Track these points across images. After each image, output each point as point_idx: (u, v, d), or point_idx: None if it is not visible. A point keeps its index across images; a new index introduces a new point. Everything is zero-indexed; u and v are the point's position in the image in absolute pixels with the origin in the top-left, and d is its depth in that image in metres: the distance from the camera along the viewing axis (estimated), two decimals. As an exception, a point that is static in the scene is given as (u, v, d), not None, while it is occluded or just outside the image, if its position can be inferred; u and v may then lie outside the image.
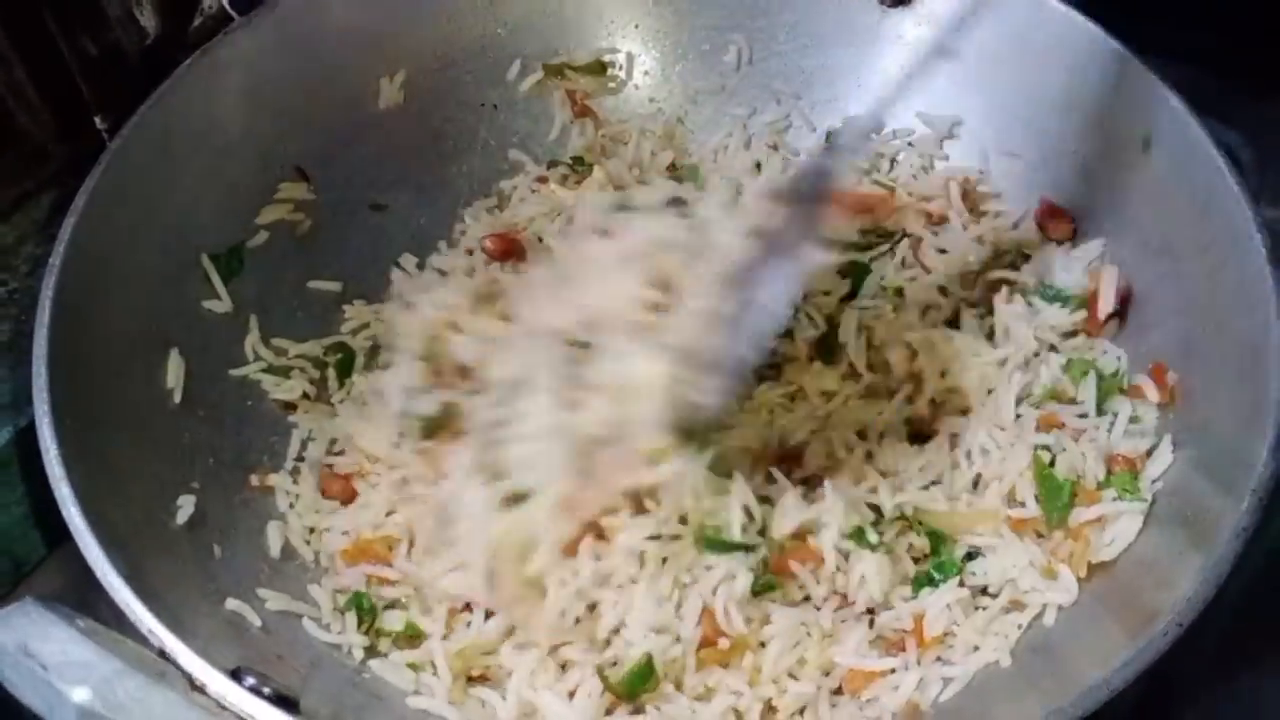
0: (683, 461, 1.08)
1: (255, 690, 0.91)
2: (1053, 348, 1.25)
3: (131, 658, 0.86)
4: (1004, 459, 1.16)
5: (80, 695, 0.81)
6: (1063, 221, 1.31)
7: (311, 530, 1.19)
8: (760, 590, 1.09)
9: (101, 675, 0.82)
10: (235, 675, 0.92)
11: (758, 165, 1.41)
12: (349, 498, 1.21)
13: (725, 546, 1.09)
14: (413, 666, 1.09)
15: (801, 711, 1.07)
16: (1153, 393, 1.17)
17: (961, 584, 1.11)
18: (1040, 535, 1.14)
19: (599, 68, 1.46)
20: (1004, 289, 1.29)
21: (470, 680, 1.09)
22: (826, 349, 1.26)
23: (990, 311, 1.27)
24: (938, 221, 1.34)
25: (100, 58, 1.30)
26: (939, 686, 1.07)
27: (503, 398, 1.12)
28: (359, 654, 1.10)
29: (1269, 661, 1.17)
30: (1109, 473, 1.14)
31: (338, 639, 1.11)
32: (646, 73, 1.48)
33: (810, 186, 1.12)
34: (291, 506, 1.20)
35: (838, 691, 1.08)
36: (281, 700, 0.92)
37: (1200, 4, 1.46)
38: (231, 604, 1.08)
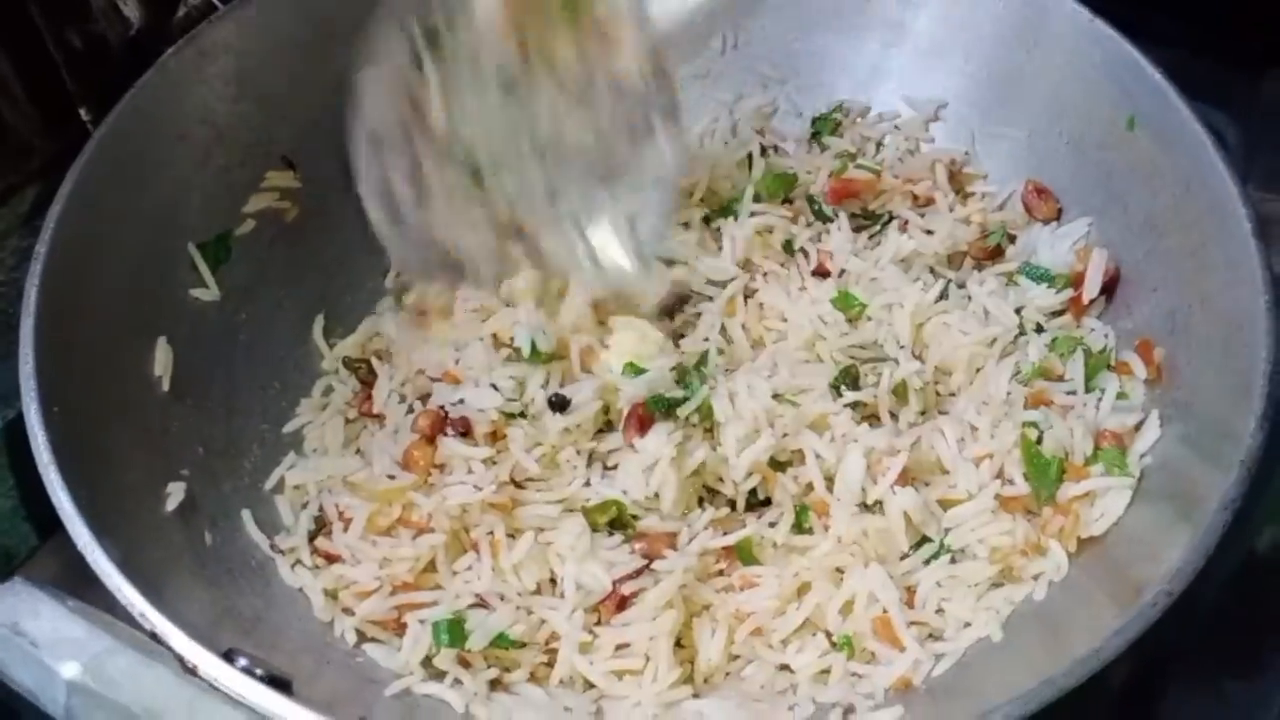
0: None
1: (247, 671, 0.91)
2: (1039, 327, 1.25)
3: (123, 636, 0.85)
4: (993, 437, 1.16)
5: (70, 671, 0.81)
6: (1048, 201, 1.32)
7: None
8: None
9: (92, 652, 0.82)
10: (228, 657, 0.91)
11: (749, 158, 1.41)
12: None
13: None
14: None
15: (794, 689, 1.08)
16: (1140, 369, 1.18)
17: (953, 560, 1.12)
18: (1030, 512, 1.14)
19: (586, 56, 1.46)
20: (976, 271, 1.30)
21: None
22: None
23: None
24: (924, 203, 1.35)
25: (84, 49, 1.30)
26: (931, 662, 1.07)
27: None
28: (351, 637, 1.10)
29: (1256, 647, 1.17)
30: (1097, 448, 1.15)
31: (330, 623, 1.11)
32: (632, 59, 1.47)
33: None
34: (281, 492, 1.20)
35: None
36: (274, 681, 0.91)
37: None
38: (223, 589, 1.08)
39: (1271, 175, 1.35)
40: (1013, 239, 1.32)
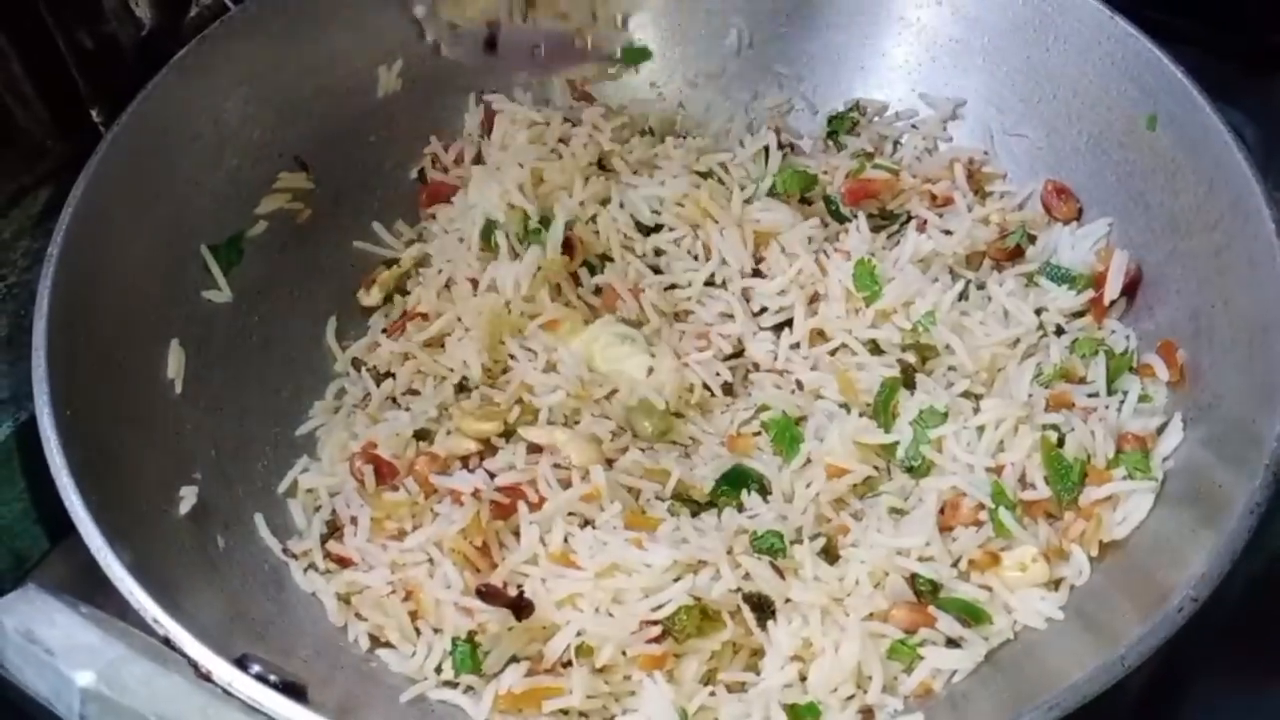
0: None
1: (261, 678, 0.90)
2: (1060, 329, 1.24)
3: (137, 643, 0.84)
4: (1015, 439, 1.15)
5: (85, 679, 0.81)
6: (1068, 201, 1.31)
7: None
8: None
9: (106, 659, 0.81)
10: (241, 663, 0.91)
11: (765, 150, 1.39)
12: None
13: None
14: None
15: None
16: (1163, 371, 1.16)
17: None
18: (1051, 516, 1.12)
19: (599, 53, 1.45)
20: (995, 272, 1.28)
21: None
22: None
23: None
24: (943, 203, 1.33)
25: (96, 51, 1.29)
26: (951, 669, 1.05)
27: None
28: (365, 642, 1.09)
29: (1274, 659, 1.16)
30: (1119, 451, 1.13)
31: (344, 628, 1.10)
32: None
33: None
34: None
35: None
36: (288, 688, 0.90)
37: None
38: (236, 594, 1.07)
39: (1291, 174, 1.34)
40: (1033, 239, 1.30)
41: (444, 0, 1.28)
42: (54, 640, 0.83)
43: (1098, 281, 1.24)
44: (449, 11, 1.28)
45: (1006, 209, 1.32)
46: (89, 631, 0.84)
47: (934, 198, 1.33)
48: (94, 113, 1.31)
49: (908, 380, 1.20)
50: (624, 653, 1.05)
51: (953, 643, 1.07)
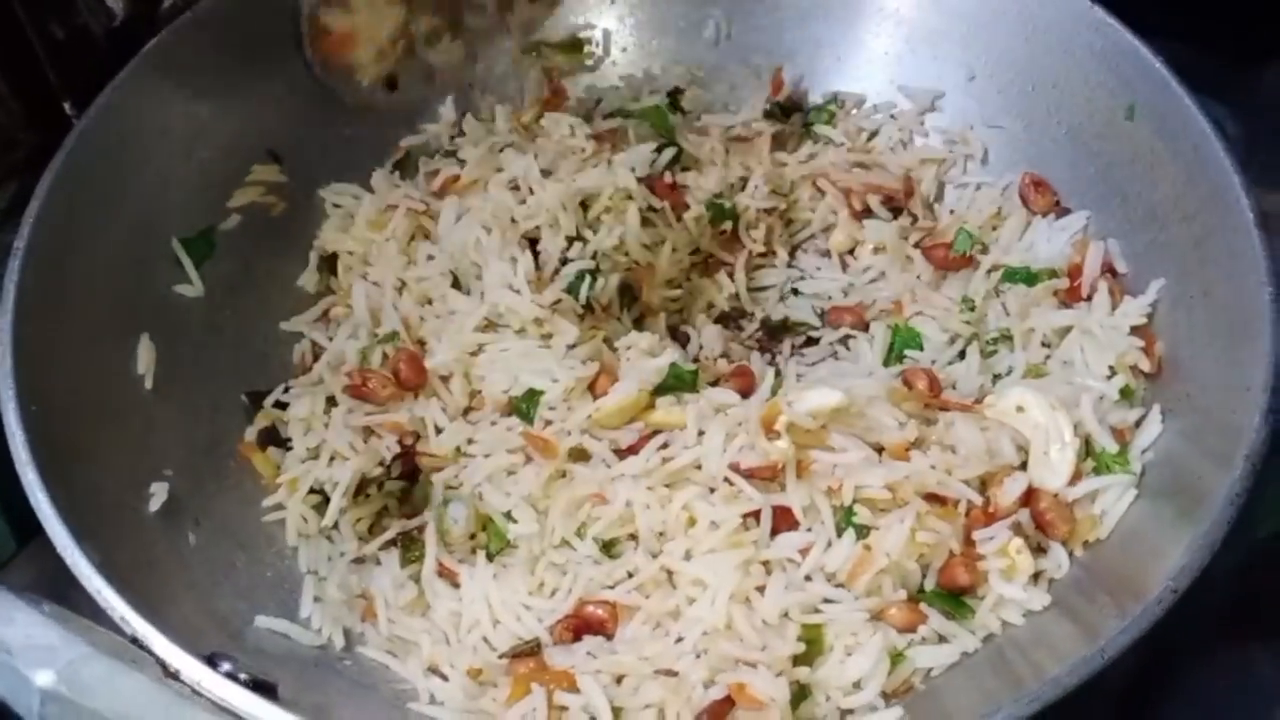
0: None
1: (231, 676, 0.88)
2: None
3: (100, 642, 0.83)
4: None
5: (44, 679, 0.79)
6: (1046, 193, 1.30)
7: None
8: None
9: (67, 659, 0.79)
10: (210, 661, 0.89)
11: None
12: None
13: None
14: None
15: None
16: (1141, 362, 1.15)
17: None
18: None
19: (576, 45, 1.44)
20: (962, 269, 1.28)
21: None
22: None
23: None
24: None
25: (68, 42, 1.28)
26: (929, 663, 1.04)
27: None
28: (339, 641, 1.08)
29: (1261, 640, 1.16)
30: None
31: (317, 628, 1.09)
32: (624, 49, 1.46)
33: None
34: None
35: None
36: (258, 686, 0.89)
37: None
38: (206, 591, 1.06)
39: (1272, 169, 1.33)
40: (985, 248, 1.29)
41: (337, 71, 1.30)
42: (13, 640, 0.81)
43: (1074, 273, 1.23)
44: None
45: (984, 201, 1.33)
46: (49, 631, 0.82)
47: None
48: (66, 105, 1.29)
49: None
50: None
51: (940, 638, 1.06)
